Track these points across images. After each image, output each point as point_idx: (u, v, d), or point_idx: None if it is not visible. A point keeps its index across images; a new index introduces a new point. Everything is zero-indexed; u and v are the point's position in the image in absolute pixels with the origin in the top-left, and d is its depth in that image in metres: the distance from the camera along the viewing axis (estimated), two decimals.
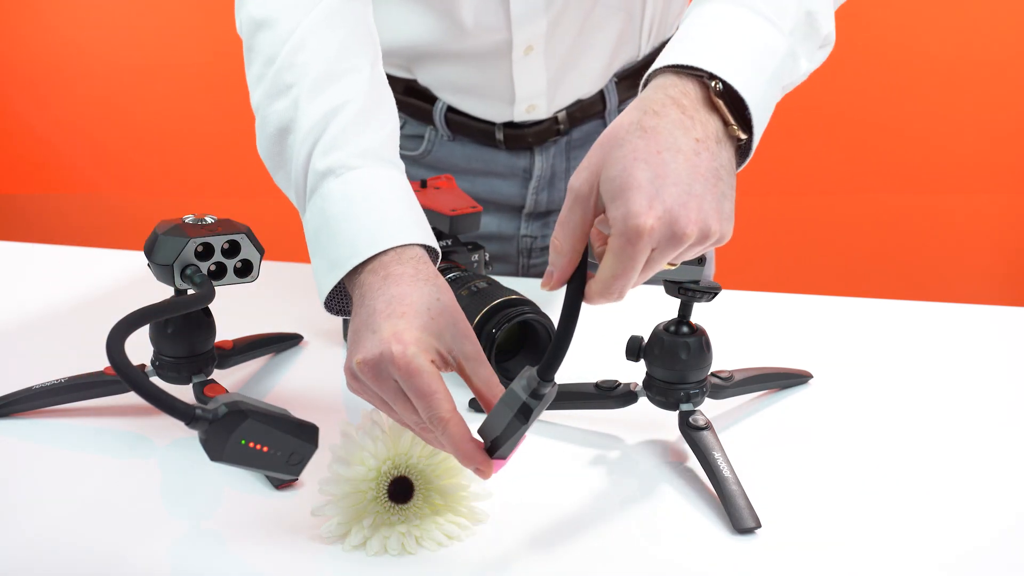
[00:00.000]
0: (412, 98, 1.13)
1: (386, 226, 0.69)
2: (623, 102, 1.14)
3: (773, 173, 2.44)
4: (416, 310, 0.65)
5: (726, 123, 0.62)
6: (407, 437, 0.67)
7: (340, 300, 0.74)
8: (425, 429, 0.64)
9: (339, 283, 0.71)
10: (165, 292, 0.78)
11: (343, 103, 0.73)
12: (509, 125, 1.11)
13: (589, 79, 1.11)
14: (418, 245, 0.70)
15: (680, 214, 0.58)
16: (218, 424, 0.62)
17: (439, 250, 0.73)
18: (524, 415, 0.63)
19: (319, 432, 0.66)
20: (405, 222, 0.70)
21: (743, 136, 0.62)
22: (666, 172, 0.58)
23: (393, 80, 1.15)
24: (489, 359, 0.84)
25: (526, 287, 1.00)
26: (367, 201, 0.70)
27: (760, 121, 0.63)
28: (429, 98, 1.12)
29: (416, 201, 0.74)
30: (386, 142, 0.75)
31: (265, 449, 0.64)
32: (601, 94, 1.13)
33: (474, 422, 0.70)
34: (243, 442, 0.63)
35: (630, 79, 1.15)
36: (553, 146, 1.13)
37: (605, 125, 1.13)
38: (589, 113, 1.13)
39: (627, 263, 0.58)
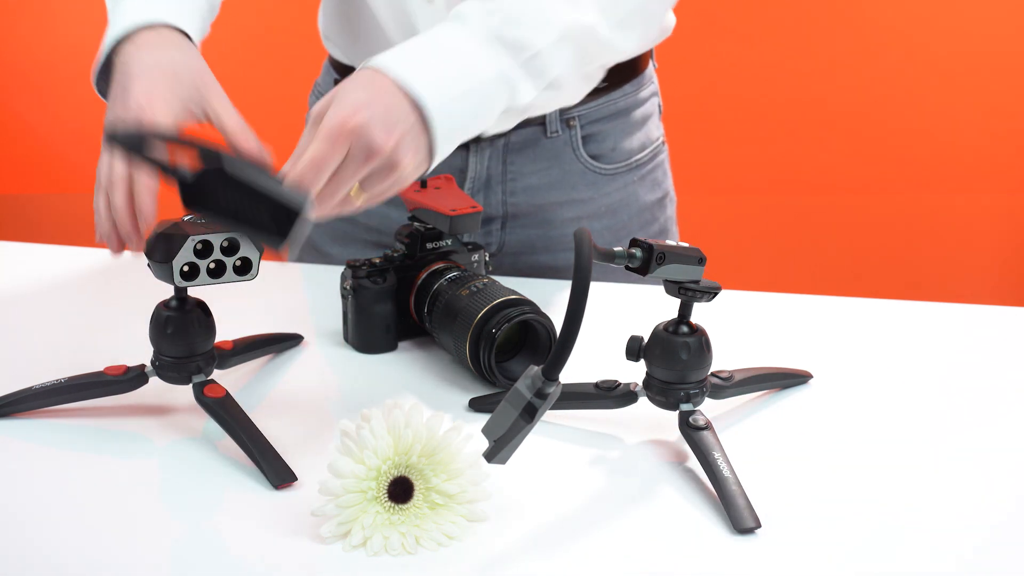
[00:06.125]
0: None
1: (144, 8, 0.85)
2: (564, 112, 1.10)
3: (773, 172, 2.44)
4: (164, 73, 0.80)
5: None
6: (407, 437, 0.67)
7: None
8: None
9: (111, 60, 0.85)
10: (165, 292, 0.78)
11: None
12: None
13: None
14: (172, 27, 0.85)
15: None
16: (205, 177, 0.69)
17: (191, 35, 0.87)
18: (529, 414, 0.63)
19: (307, 201, 0.69)
20: (161, 7, 0.86)
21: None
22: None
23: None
24: (489, 359, 0.84)
25: (526, 287, 1.00)
26: None
27: (444, 131, 0.79)
28: None
29: None
30: None
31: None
32: None
33: (476, 422, 0.70)
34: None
35: None
36: (489, 147, 1.11)
37: (545, 134, 1.11)
38: (528, 119, 1.09)
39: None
